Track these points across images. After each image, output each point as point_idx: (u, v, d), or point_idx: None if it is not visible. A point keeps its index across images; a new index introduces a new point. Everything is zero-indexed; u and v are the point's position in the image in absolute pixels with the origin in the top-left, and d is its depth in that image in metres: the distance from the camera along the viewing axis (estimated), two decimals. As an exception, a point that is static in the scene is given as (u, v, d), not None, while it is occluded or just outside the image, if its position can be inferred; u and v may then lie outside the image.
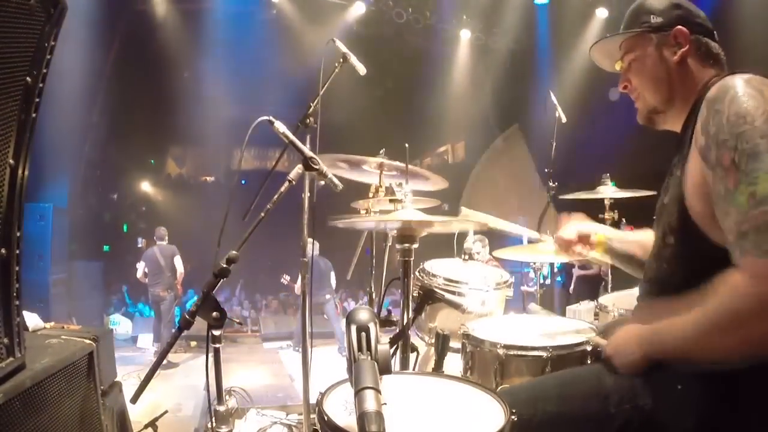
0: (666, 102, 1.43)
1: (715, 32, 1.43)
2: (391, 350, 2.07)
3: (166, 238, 8.29)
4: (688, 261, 1.29)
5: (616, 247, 1.78)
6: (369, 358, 0.99)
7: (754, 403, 1.15)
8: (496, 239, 6.26)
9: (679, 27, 1.39)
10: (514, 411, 1.18)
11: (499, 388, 1.75)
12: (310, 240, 2.46)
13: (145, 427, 3.11)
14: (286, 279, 9.06)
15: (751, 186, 1.08)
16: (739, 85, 1.18)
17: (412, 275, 2.28)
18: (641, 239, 1.74)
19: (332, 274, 8.47)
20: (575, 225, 1.84)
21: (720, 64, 1.40)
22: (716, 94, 1.21)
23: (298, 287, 8.32)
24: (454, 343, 2.19)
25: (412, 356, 2.36)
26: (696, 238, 1.25)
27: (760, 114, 1.12)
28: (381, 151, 2.70)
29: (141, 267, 8.13)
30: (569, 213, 1.92)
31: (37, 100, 1.56)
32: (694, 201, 1.25)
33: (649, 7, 1.45)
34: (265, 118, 1.90)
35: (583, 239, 1.82)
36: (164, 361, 6.09)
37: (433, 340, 2.44)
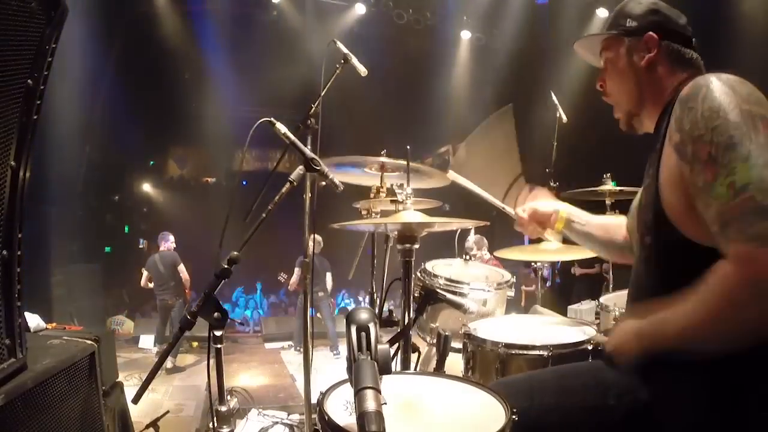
0: (637, 104, 1.48)
1: (693, 39, 1.45)
2: (392, 350, 2.07)
3: (168, 244, 7.97)
4: (664, 260, 1.31)
5: (576, 227, 1.80)
6: (369, 357, 1.00)
7: (753, 398, 1.16)
8: (497, 239, 6.26)
9: (650, 33, 1.42)
10: (515, 411, 1.19)
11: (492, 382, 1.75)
12: (312, 238, 2.46)
13: (147, 427, 3.12)
14: (283, 277, 9.05)
15: (729, 177, 1.10)
16: (712, 82, 1.21)
17: (413, 275, 2.28)
18: (604, 222, 1.79)
19: (329, 275, 8.45)
20: (535, 203, 1.83)
21: (694, 69, 1.41)
22: (689, 92, 1.23)
23: (292, 284, 8.37)
24: (456, 343, 2.19)
25: (414, 356, 2.36)
26: (671, 235, 1.26)
27: (732, 108, 1.14)
28: (382, 152, 2.71)
29: (144, 276, 7.87)
30: (531, 188, 1.90)
31: (39, 102, 1.56)
32: (670, 196, 1.26)
33: (628, 11, 1.49)
34: (266, 119, 1.90)
35: (544, 218, 1.82)
36: (170, 365, 6.07)
37: (434, 340, 2.45)
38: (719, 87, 1.19)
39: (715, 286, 1.10)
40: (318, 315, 8.38)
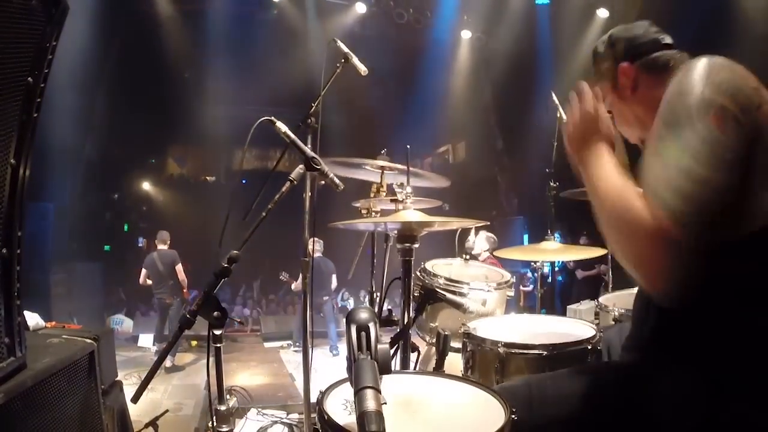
0: (641, 128, 1.48)
1: (660, 37, 1.46)
2: (392, 350, 2.07)
3: (168, 243, 7.95)
4: None
5: None
6: (369, 357, 1.00)
7: (751, 400, 1.16)
8: (497, 239, 6.26)
9: (621, 65, 1.46)
10: (514, 410, 1.19)
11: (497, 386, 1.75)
12: (312, 239, 2.46)
13: (146, 426, 3.11)
14: (284, 276, 9.06)
15: (663, 150, 1.14)
16: (692, 64, 1.21)
17: (413, 275, 2.28)
18: None
19: (333, 277, 8.47)
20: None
21: (675, 66, 1.39)
22: (673, 80, 1.24)
23: (295, 285, 8.37)
24: (455, 343, 2.19)
25: (413, 356, 2.36)
26: None
27: (693, 91, 1.14)
28: (382, 152, 2.71)
29: (143, 273, 7.84)
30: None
31: (39, 100, 1.56)
32: None
33: (598, 55, 1.54)
34: (267, 118, 1.90)
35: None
36: (169, 364, 6.02)
37: (434, 340, 2.45)
38: (693, 70, 1.19)
39: (635, 211, 1.13)
40: (321, 314, 8.41)
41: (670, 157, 1.11)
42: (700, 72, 1.18)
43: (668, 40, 1.46)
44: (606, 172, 1.28)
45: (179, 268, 7.77)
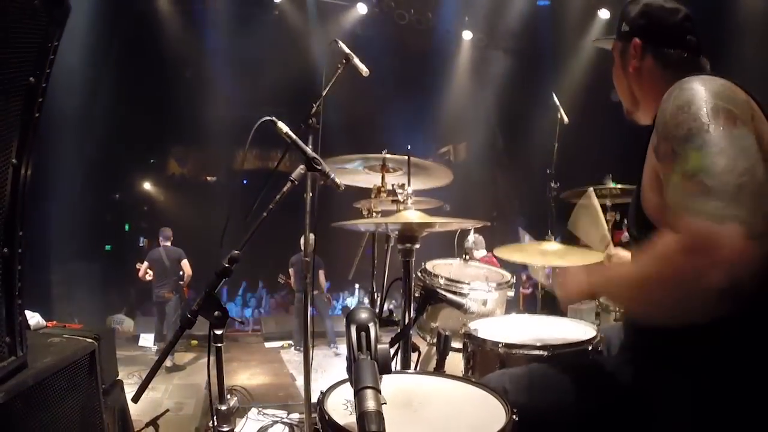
0: (632, 104, 1.54)
1: (689, 36, 1.45)
2: (392, 350, 2.07)
3: (172, 239, 8.07)
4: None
5: None
6: (369, 357, 1.00)
7: (747, 396, 1.16)
8: (497, 239, 6.26)
9: (635, 40, 1.46)
10: (515, 411, 1.19)
11: (495, 371, 1.75)
12: (312, 237, 2.46)
13: (147, 425, 3.12)
14: (282, 278, 9.09)
15: (683, 165, 1.12)
16: (685, 82, 1.23)
17: (413, 275, 2.28)
18: None
19: (321, 273, 8.52)
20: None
21: (686, 68, 1.38)
22: (665, 95, 1.26)
23: (293, 281, 8.41)
24: (456, 343, 2.19)
25: (414, 356, 2.36)
26: (650, 230, 1.29)
27: (696, 103, 1.16)
28: (383, 152, 2.71)
29: (143, 266, 7.88)
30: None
31: (40, 99, 1.56)
32: (649, 195, 1.30)
33: (626, 13, 1.53)
34: (268, 118, 1.90)
35: None
36: (169, 364, 6.04)
37: (434, 340, 2.45)
38: (689, 86, 1.21)
39: (657, 251, 1.11)
40: (316, 313, 8.42)
41: (696, 167, 1.09)
42: (693, 87, 1.20)
43: (695, 41, 1.45)
44: (611, 282, 1.33)
45: (185, 263, 7.86)
